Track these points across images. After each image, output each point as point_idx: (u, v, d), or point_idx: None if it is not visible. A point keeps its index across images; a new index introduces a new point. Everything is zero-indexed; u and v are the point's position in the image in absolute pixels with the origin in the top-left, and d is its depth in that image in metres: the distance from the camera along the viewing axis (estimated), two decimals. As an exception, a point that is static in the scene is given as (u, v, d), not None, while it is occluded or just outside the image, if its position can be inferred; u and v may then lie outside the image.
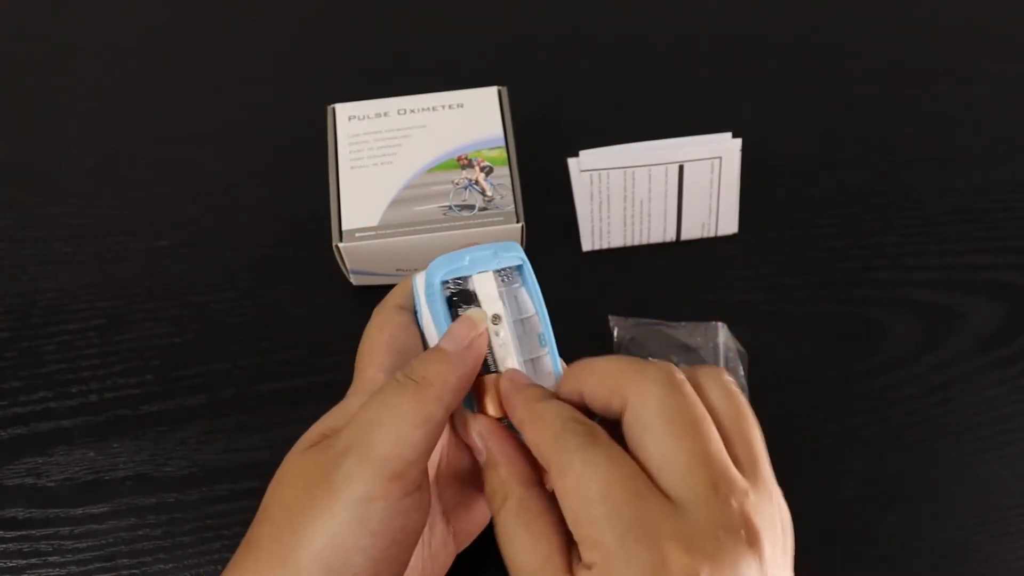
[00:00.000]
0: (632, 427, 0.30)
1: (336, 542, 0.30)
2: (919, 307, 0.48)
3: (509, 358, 0.35)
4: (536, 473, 0.32)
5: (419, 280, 0.37)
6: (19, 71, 0.59)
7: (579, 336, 0.48)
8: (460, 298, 0.35)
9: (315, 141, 0.49)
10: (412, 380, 0.32)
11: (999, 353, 0.47)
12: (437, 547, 0.37)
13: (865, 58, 0.58)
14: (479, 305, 0.35)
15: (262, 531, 0.32)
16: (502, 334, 0.35)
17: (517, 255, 0.36)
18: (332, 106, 0.49)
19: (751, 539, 0.28)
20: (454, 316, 0.35)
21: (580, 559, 0.29)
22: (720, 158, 0.48)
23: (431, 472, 0.37)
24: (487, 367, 0.35)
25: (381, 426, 0.31)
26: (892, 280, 0.49)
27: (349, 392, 0.36)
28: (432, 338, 0.36)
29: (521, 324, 0.36)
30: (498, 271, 0.35)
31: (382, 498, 0.30)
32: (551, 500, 0.31)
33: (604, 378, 0.31)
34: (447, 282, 0.35)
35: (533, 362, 0.35)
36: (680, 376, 0.31)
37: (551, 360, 0.36)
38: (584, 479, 0.29)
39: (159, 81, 0.58)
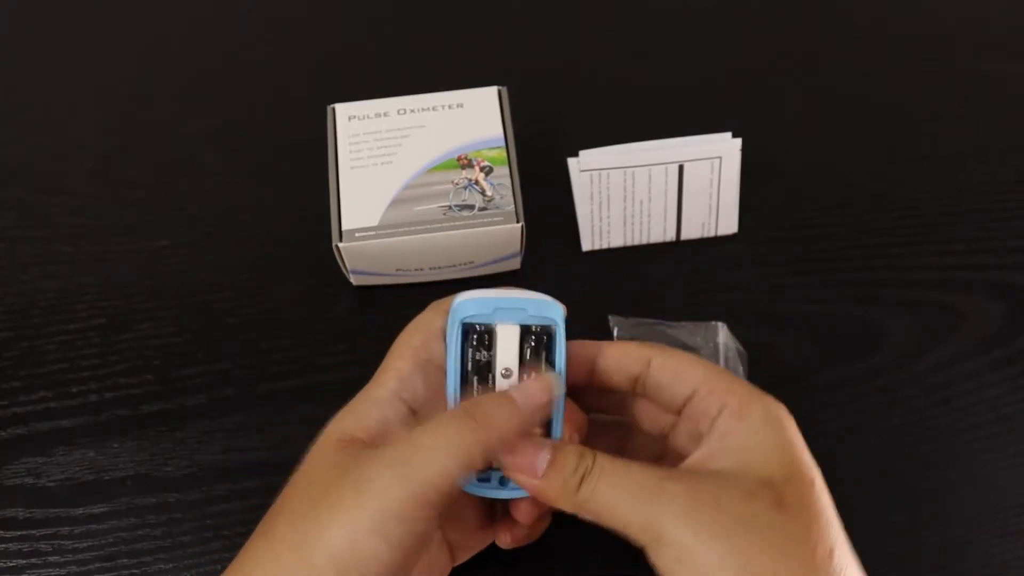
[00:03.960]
0: (734, 431, 0.33)
1: (355, 546, 0.30)
2: (919, 307, 0.48)
3: None
4: None
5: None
6: (19, 71, 0.59)
7: (579, 336, 0.48)
8: (478, 337, 0.35)
9: (315, 141, 0.49)
10: (474, 419, 0.32)
11: (999, 353, 0.47)
12: (434, 554, 0.37)
13: (865, 58, 0.58)
14: (493, 349, 0.35)
15: (280, 521, 0.32)
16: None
17: (551, 317, 0.35)
18: (332, 106, 0.49)
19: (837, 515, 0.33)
20: (464, 352, 0.35)
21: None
22: (720, 158, 0.48)
23: None
24: None
25: (431, 450, 0.31)
26: (892, 280, 0.49)
27: (371, 382, 0.36)
28: (448, 367, 0.35)
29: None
30: (527, 327, 0.35)
31: (409, 520, 0.31)
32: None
33: (695, 378, 0.35)
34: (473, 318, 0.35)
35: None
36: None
37: (553, 433, 0.35)
38: (693, 357, 0.36)
39: (159, 81, 0.58)
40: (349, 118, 0.48)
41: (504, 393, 0.34)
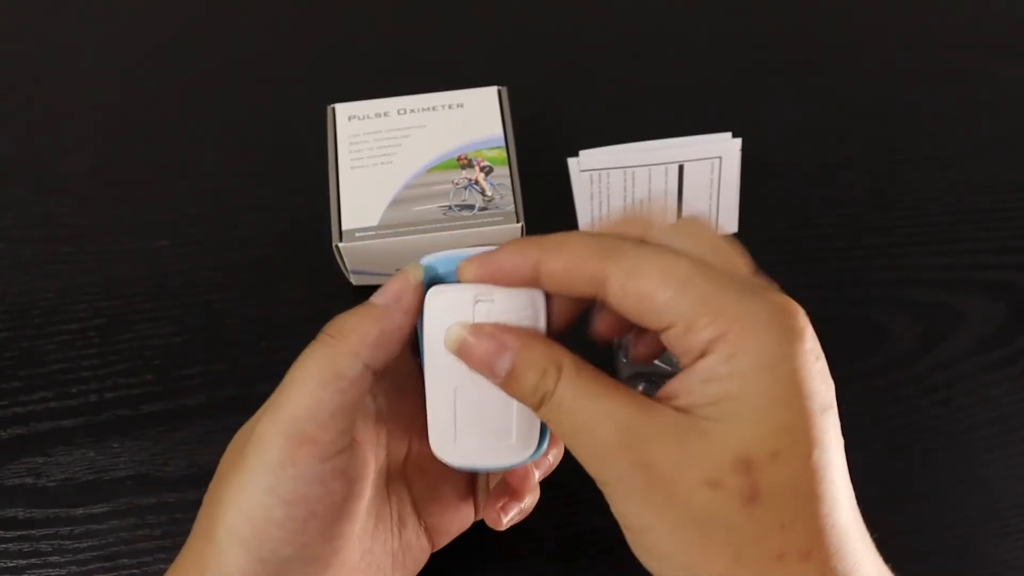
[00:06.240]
0: (718, 378, 0.28)
1: (250, 514, 0.29)
2: (919, 307, 0.48)
3: None
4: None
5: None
6: (19, 71, 0.59)
7: (579, 335, 0.48)
8: None
9: (315, 141, 0.49)
10: (327, 335, 0.30)
11: (999, 353, 0.47)
12: (410, 538, 0.35)
13: (865, 58, 0.58)
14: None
15: (199, 515, 0.31)
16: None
17: None
18: (332, 106, 0.49)
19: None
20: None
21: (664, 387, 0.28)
22: (720, 158, 0.48)
23: (397, 458, 0.36)
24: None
25: (291, 385, 0.30)
26: (892, 280, 0.49)
27: None
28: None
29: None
30: None
31: (292, 464, 0.29)
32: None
33: (668, 310, 0.27)
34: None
35: None
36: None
37: None
38: (667, 266, 0.27)
39: (159, 81, 0.58)
40: (349, 118, 0.48)
41: (364, 303, 0.31)
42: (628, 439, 0.27)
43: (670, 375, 0.47)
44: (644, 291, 0.27)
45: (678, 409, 0.27)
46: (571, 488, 0.42)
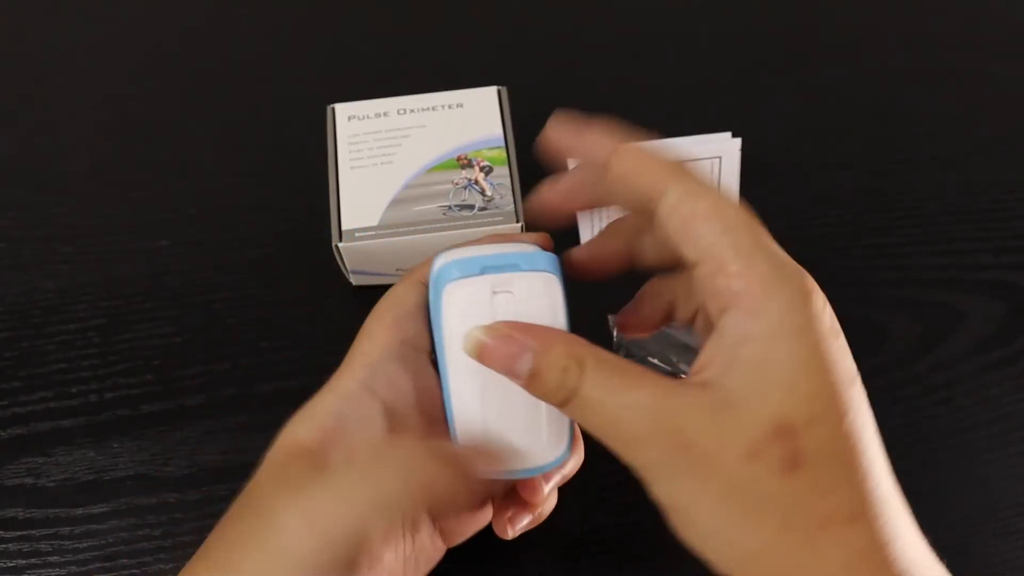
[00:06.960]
0: (746, 340, 0.28)
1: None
2: (919, 307, 0.48)
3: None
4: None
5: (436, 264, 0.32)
6: (19, 71, 0.59)
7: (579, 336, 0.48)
8: None
9: (315, 141, 0.49)
10: (395, 463, 0.29)
11: (999, 353, 0.47)
12: (424, 542, 0.35)
13: (864, 58, 0.58)
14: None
15: (198, 566, 0.30)
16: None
17: (547, 270, 0.32)
18: (332, 106, 0.49)
19: None
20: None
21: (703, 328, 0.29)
22: (720, 158, 0.48)
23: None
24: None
25: (345, 503, 0.29)
26: (892, 280, 0.49)
27: (338, 370, 0.33)
28: (437, 345, 0.32)
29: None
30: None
31: (319, 569, 0.28)
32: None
33: (703, 243, 0.27)
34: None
35: None
36: None
37: None
38: (720, 205, 0.27)
39: (159, 81, 0.58)
40: (349, 118, 0.48)
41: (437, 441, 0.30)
42: (661, 426, 0.26)
43: (669, 375, 0.47)
44: (692, 217, 0.27)
45: (703, 385, 0.27)
46: (574, 486, 0.42)
